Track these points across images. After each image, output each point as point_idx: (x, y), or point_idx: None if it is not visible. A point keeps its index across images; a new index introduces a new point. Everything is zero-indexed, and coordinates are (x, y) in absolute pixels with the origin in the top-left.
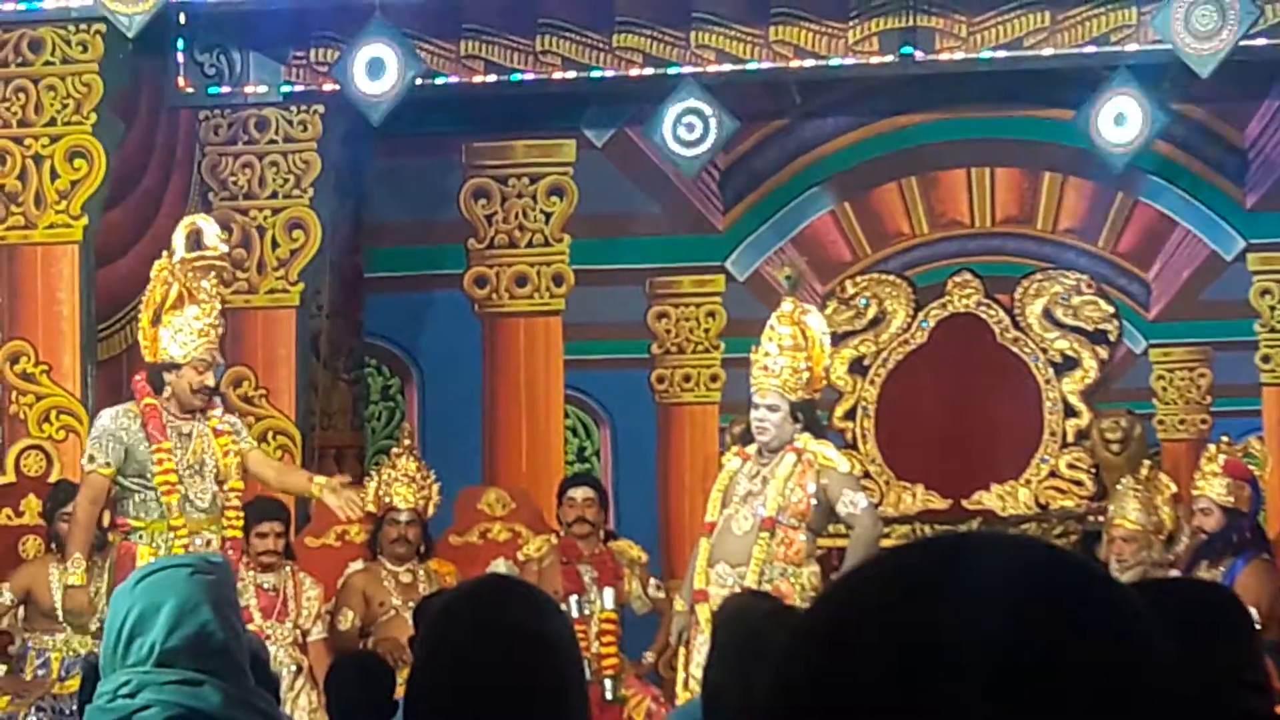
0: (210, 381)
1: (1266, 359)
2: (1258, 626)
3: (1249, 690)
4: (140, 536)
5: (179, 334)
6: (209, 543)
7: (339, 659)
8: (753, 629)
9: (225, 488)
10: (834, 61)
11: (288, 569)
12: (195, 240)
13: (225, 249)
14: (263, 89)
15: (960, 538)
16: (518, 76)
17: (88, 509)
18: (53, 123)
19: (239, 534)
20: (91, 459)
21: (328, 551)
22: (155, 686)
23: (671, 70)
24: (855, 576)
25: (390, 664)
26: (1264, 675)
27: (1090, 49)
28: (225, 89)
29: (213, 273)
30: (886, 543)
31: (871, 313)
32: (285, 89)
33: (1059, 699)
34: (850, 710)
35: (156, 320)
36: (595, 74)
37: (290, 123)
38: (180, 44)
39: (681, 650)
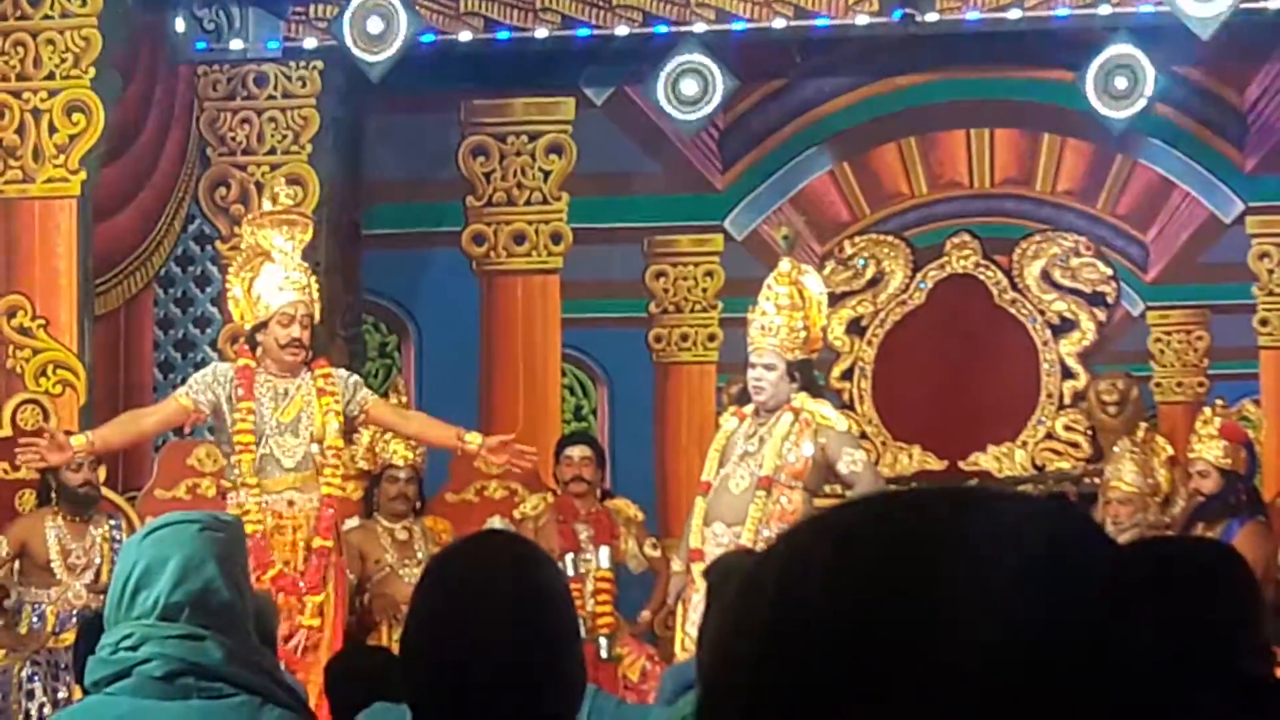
0: (297, 333)
1: (1264, 322)
2: None
3: (1249, 654)
4: (230, 497)
5: (260, 294)
6: (291, 503)
7: (339, 653)
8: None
9: (324, 446)
10: (835, 21)
11: None
12: (272, 200)
13: (292, 202)
14: (262, 44)
15: (950, 491)
16: (517, 34)
17: (138, 411)
18: (51, 77)
19: (337, 491)
20: (178, 389)
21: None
22: (158, 640)
23: (672, 29)
24: (836, 523)
25: (388, 658)
26: (1264, 638)
27: (1090, 10)
28: (224, 44)
29: (284, 226)
30: None
31: (869, 273)
32: (285, 44)
33: (1059, 660)
34: (839, 667)
35: (249, 288)
36: (595, 32)
37: (289, 78)
38: None
39: (678, 609)
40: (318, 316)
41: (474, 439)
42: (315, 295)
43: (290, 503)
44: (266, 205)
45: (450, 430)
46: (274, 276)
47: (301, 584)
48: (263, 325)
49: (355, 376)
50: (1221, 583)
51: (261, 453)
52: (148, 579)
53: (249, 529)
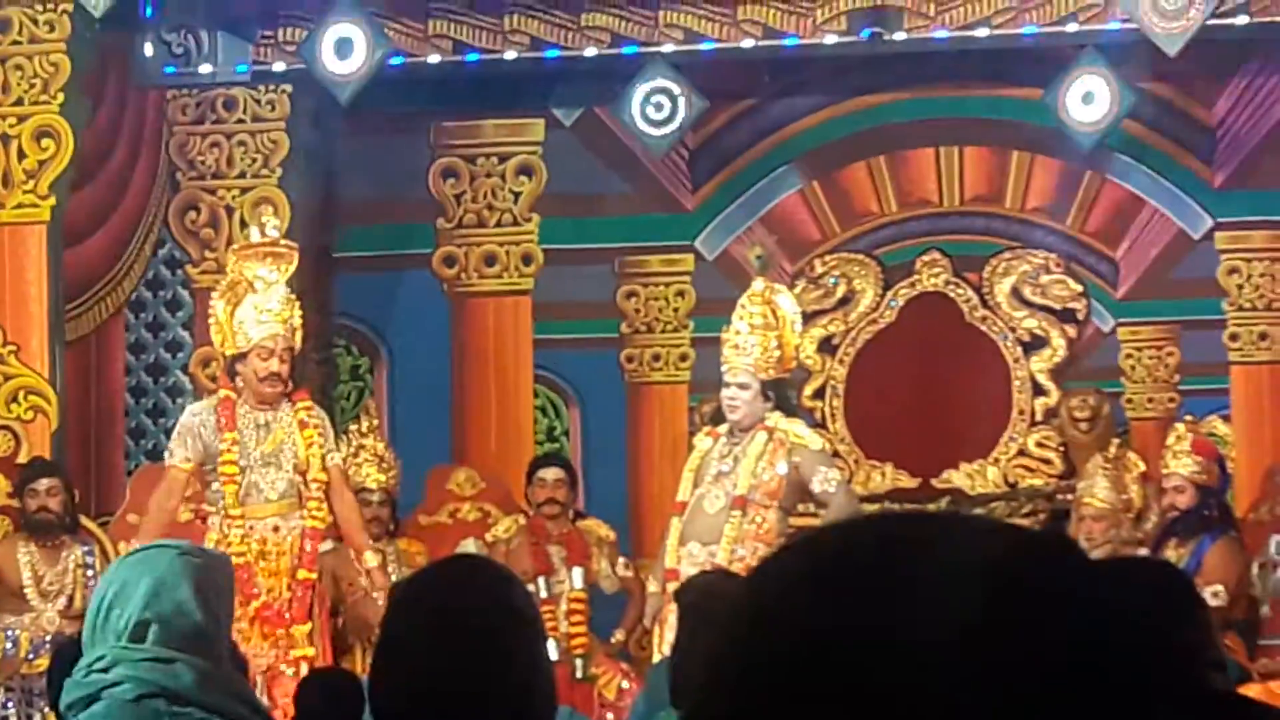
0: (276, 367)
1: (1234, 337)
2: (1223, 603)
3: (1207, 670)
4: (211, 523)
5: (242, 324)
6: (276, 529)
7: (307, 676)
8: (717, 610)
9: (308, 479)
10: (803, 40)
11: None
12: (260, 229)
13: (277, 234)
14: (231, 68)
15: (919, 516)
16: (485, 56)
17: (160, 502)
18: (20, 102)
19: (320, 524)
20: (171, 454)
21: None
22: (129, 663)
23: (641, 50)
24: (806, 553)
25: (358, 679)
26: (1221, 652)
27: (1059, 28)
28: (193, 68)
29: (269, 258)
30: None
31: (840, 292)
32: (254, 68)
33: (1026, 685)
34: (805, 696)
35: (231, 315)
36: (564, 53)
37: (258, 102)
38: (148, 23)
39: (655, 630)
40: (299, 347)
41: (369, 560)
42: (297, 326)
43: (275, 529)
44: (255, 235)
45: (359, 539)
46: (255, 308)
47: (287, 615)
48: (242, 356)
49: (331, 430)
50: (1175, 601)
51: (246, 481)
52: (120, 599)
53: (237, 559)
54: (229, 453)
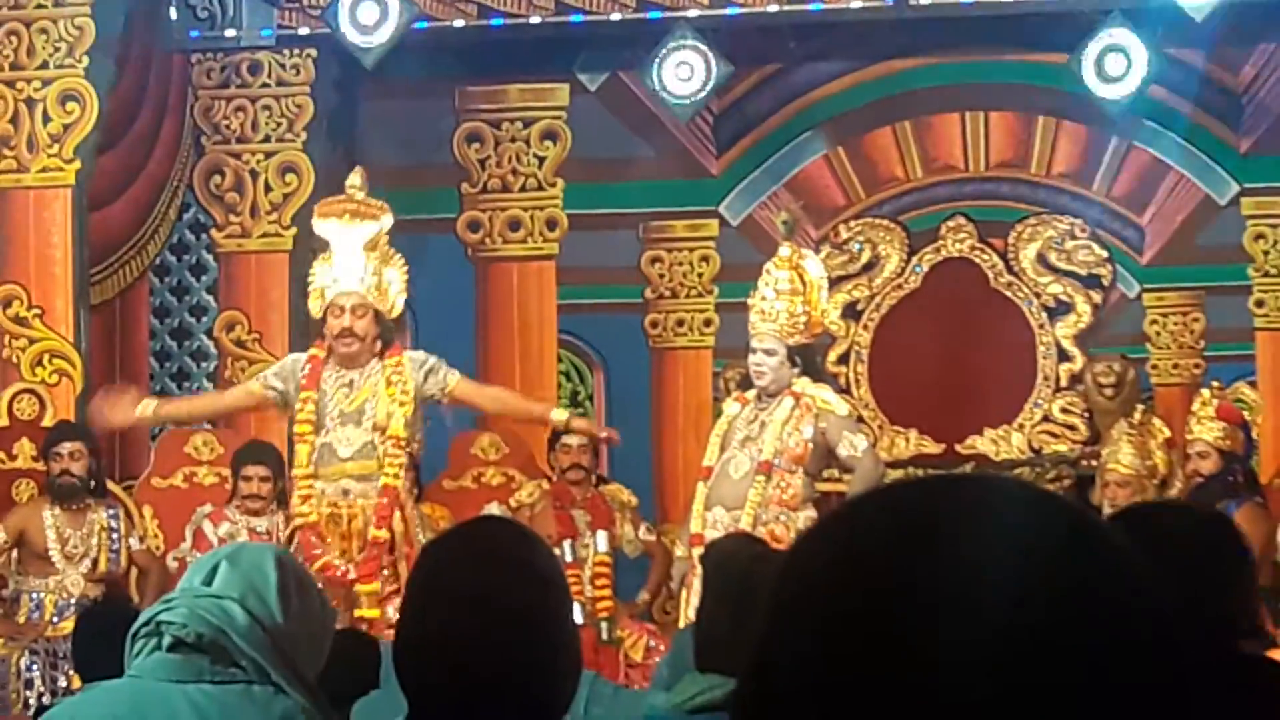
0: (349, 322)
1: (1260, 303)
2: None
3: (1245, 635)
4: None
5: (321, 284)
6: (346, 492)
7: None
8: (741, 574)
9: (386, 435)
10: (828, 5)
11: (279, 515)
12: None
13: (361, 194)
14: (256, 32)
15: (952, 481)
16: (511, 20)
17: (218, 392)
18: (45, 66)
19: (396, 482)
20: (258, 377)
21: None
22: (188, 597)
23: (666, 14)
24: (844, 522)
25: (375, 640)
26: (1259, 618)
27: None
28: (218, 32)
29: (347, 215)
30: None
31: (865, 257)
32: (279, 32)
33: (1067, 657)
34: (848, 669)
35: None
36: (589, 17)
37: (283, 66)
38: None
39: (681, 594)
40: (390, 307)
41: (559, 415)
42: (384, 287)
43: (345, 492)
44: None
45: (530, 405)
46: (332, 267)
47: (352, 574)
48: (324, 317)
49: (435, 358)
50: (1224, 562)
51: (321, 442)
52: (209, 559)
53: (301, 520)
54: (304, 411)
